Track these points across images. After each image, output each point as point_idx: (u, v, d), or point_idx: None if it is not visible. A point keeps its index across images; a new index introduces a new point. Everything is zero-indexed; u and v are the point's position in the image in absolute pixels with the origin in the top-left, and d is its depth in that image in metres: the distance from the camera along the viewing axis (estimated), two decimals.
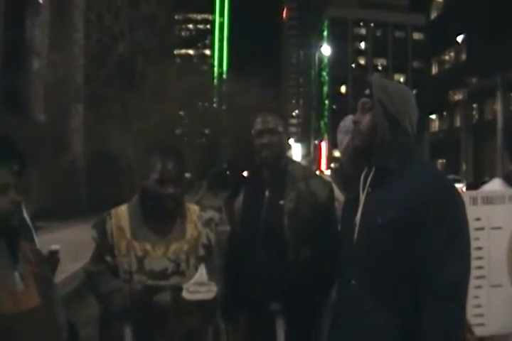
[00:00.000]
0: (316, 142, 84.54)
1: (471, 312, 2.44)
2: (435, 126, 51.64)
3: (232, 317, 2.72)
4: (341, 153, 2.88)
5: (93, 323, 2.63)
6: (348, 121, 2.73)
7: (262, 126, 2.72)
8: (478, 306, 2.50)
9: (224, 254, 2.59)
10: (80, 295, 6.12)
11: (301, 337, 2.57)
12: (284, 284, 2.55)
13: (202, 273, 2.15)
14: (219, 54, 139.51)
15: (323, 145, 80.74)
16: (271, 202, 2.67)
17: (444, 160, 47.19)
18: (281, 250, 2.61)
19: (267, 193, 2.70)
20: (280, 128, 2.72)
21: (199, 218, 2.38)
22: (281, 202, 2.64)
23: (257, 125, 2.73)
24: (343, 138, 2.83)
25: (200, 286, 2.12)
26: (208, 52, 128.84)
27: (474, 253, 2.36)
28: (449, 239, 1.83)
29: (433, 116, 51.67)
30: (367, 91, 2.03)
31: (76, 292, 6.73)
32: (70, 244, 7.98)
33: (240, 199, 2.79)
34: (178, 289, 2.14)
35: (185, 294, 2.11)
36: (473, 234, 2.34)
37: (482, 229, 2.50)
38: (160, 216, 2.30)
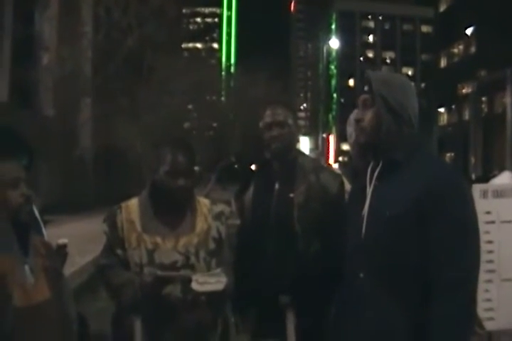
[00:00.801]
0: (324, 135, 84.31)
1: (481, 306, 2.43)
2: (444, 119, 51.33)
3: (242, 310, 2.72)
4: (351, 146, 2.87)
5: (103, 316, 2.64)
6: None
7: (271, 119, 2.71)
8: (489, 300, 2.49)
9: (234, 247, 2.59)
10: (90, 289, 6.15)
11: (310, 330, 2.57)
12: (294, 277, 2.54)
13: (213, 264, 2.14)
14: (227, 47, 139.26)
15: (331, 139, 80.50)
16: (281, 195, 2.66)
17: (453, 154, 46.94)
18: (291, 243, 2.60)
19: (276, 186, 2.69)
20: (289, 121, 2.71)
21: (209, 211, 2.38)
22: (291, 195, 2.63)
23: (267, 118, 2.72)
24: (352, 132, 2.82)
25: (209, 277, 2.12)
26: (215, 45, 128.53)
27: (485, 247, 2.35)
28: (458, 232, 1.82)
29: (442, 110, 51.36)
30: (366, 88, 2.02)
31: (85, 285, 6.76)
32: (78, 238, 8.02)
33: (250, 192, 2.78)
34: (187, 281, 2.14)
35: (194, 285, 2.11)
36: (483, 227, 2.33)
37: (493, 222, 2.49)
38: (170, 209, 2.30)
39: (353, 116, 2.85)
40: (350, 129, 2.81)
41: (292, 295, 2.54)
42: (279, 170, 2.73)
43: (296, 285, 2.54)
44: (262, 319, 2.69)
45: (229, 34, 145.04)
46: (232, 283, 2.28)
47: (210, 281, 2.12)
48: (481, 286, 2.33)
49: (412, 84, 2.15)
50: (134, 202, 2.36)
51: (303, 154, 2.85)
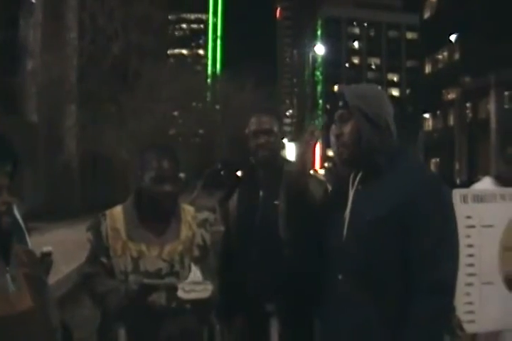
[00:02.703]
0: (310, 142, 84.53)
1: (462, 309, 2.47)
2: (429, 125, 51.74)
3: (227, 317, 2.73)
4: (334, 153, 2.89)
5: (88, 324, 2.63)
6: None
7: (257, 127, 2.72)
8: (470, 303, 2.52)
9: (219, 254, 2.59)
10: (74, 297, 6.10)
11: (295, 337, 2.58)
12: (279, 285, 2.55)
13: (196, 272, 2.15)
14: (213, 54, 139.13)
15: (317, 145, 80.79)
16: (266, 202, 2.67)
17: (438, 159, 47.30)
18: (276, 250, 2.61)
19: (261, 193, 2.70)
20: (275, 129, 2.73)
21: (194, 219, 2.38)
22: (276, 202, 2.64)
23: (252, 126, 2.74)
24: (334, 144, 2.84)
25: (195, 285, 2.12)
26: (201, 52, 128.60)
27: (465, 251, 2.39)
28: (441, 234, 1.87)
29: (427, 115, 51.77)
30: (341, 103, 2.06)
31: (70, 293, 6.71)
32: (63, 245, 7.96)
33: (235, 198, 2.79)
34: (173, 289, 2.14)
35: (180, 293, 2.11)
36: (464, 231, 2.37)
37: (473, 227, 2.52)
38: (155, 216, 2.30)
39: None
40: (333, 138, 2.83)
41: (277, 302, 2.55)
42: (265, 177, 2.74)
43: (281, 293, 2.54)
44: (248, 326, 2.70)
45: (215, 40, 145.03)
46: (218, 291, 2.28)
47: (196, 289, 2.12)
48: (462, 289, 2.36)
49: (386, 92, 2.20)
50: (118, 210, 2.36)
51: (288, 161, 2.87)
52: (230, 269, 2.64)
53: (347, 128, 2.03)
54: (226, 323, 2.75)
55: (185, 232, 2.33)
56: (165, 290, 2.19)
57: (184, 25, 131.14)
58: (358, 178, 2.01)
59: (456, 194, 2.50)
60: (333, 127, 2.21)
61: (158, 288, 2.19)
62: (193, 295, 2.11)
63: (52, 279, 2.78)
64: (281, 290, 2.54)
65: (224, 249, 2.77)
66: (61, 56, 17.75)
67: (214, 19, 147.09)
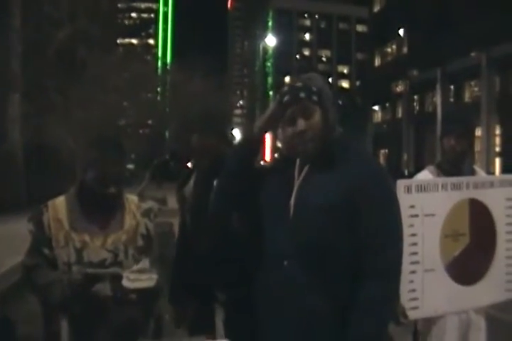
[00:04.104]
0: None
1: (406, 296, 2.52)
2: (378, 117, 52.70)
3: (181, 304, 2.73)
4: (281, 142, 2.89)
5: (32, 319, 2.57)
6: None
7: (200, 150, 2.70)
8: (413, 291, 2.58)
9: (176, 242, 2.57)
10: (19, 291, 5.96)
11: (239, 325, 2.58)
12: (234, 273, 2.54)
13: (144, 260, 2.13)
14: (163, 44, 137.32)
15: (267, 136, 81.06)
16: None
17: (387, 150, 48.28)
18: (230, 237, 2.59)
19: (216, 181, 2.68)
20: (220, 147, 2.67)
21: (138, 208, 2.37)
22: None
23: (194, 147, 2.71)
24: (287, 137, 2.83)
25: (140, 274, 2.10)
26: (151, 41, 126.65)
27: (409, 240, 2.45)
28: (387, 222, 1.91)
29: (376, 107, 52.69)
30: (302, 95, 1.97)
31: (14, 287, 6.55)
32: (7, 238, 7.77)
33: (191, 185, 2.78)
34: (118, 278, 2.11)
35: (125, 282, 2.09)
36: (407, 221, 2.42)
37: (416, 216, 2.58)
38: (98, 207, 2.27)
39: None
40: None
41: (228, 290, 2.55)
42: (218, 166, 2.72)
43: (234, 282, 2.54)
44: (199, 314, 2.70)
45: (165, 30, 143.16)
46: (172, 279, 2.27)
47: (141, 278, 2.10)
48: (406, 277, 2.42)
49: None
50: (61, 200, 2.31)
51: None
52: (186, 255, 2.64)
53: (311, 123, 1.98)
54: (179, 310, 2.76)
55: (128, 222, 2.31)
56: (109, 280, 2.16)
57: (134, 14, 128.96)
58: (305, 167, 2.01)
59: (401, 185, 2.55)
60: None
61: (102, 278, 2.16)
62: (137, 284, 2.09)
63: None
64: (234, 278, 2.54)
65: (180, 235, 2.76)
66: (4, 43, 17.15)
67: (164, 9, 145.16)
